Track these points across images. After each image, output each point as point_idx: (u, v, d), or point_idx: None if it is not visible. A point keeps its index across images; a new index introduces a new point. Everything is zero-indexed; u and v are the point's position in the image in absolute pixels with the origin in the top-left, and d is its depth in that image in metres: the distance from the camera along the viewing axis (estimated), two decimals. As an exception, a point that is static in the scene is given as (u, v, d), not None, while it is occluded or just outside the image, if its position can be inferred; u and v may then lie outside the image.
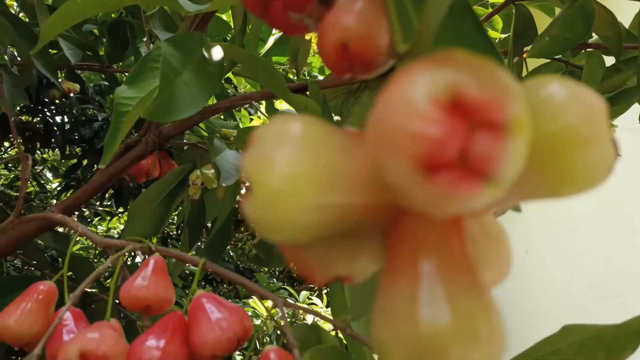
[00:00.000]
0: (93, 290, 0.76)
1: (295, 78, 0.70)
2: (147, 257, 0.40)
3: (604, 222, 1.96)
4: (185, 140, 0.90)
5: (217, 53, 0.47)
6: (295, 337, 0.31)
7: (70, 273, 0.71)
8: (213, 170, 0.75)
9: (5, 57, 0.94)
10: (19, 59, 0.96)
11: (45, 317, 0.41)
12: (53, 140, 1.69)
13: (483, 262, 0.16)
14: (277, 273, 2.86)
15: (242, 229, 2.71)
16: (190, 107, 0.41)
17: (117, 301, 0.72)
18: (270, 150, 0.13)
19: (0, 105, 0.97)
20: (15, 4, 1.52)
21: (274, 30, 1.16)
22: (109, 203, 2.38)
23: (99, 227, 2.61)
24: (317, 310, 1.85)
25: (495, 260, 0.16)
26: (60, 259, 1.60)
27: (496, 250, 0.16)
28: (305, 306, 0.37)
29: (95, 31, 1.36)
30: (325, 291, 2.23)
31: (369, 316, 0.27)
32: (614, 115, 0.93)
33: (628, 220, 1.87)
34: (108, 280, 1.05)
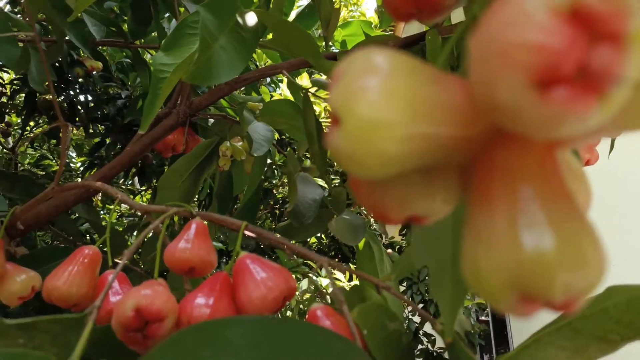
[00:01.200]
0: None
1: (324, 47, 0.69)
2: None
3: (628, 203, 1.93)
4: (208, 114, 0.90)
5: (251, 19, 0.47)
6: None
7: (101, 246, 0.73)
8: (241, 143, 0.75)
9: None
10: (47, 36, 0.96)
11: (91, 279, 0.42)
12: (77, 119, 1.71)
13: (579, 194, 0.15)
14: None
15: (262, 207, 2.73)
16: (228, 71, 0.41)
17: (141, 272, 0.73)
18: (360, 81, 0.12)
19: (28, 84, 0.98)
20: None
21: (297, 3, 1.15)
22: (130, 182, 2.42)
23: (122, 205, 2.65)
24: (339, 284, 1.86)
25: (580, 196, 0.16)
26: (91, 233, 1.64)
27: (578, 186, 0.16)
28: (351, 267, 0.37)
29: (116, 8, 1.36)
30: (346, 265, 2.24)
31: (427, 268, 0.27)
32: None
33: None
34: (136, 255, 1.07)
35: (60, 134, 0.51)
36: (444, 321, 0.24)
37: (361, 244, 0.74)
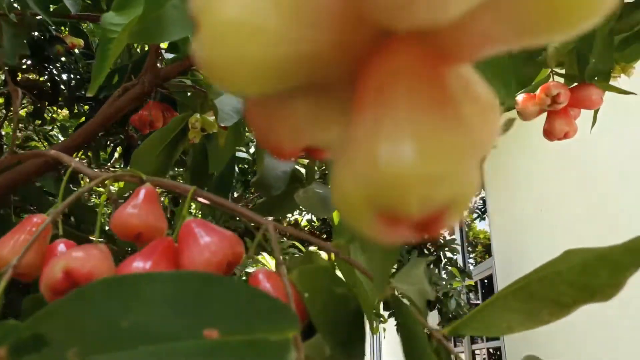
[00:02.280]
0: (100, 240, 0.77)
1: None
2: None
3: (619, 178, 1.92)
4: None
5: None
6: (286, 261, 0.31)
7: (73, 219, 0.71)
8: (214, 117, 0.73)
9: (4, 4, 0.91)
10: (16, 5, 0.94)
11: (39, 247, 0.40)
12: (60, 98, 1.69)
13: (476, 124, 0.14)
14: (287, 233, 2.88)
15: (253, 190, 2.72)
16: (179, 30, 0.39)
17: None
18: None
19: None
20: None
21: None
22: (119, 166, 2.39)
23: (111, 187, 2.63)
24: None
25: (481, 127, 0.14)
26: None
27: (482, 117, 0.14)
28: (297, 231, 0.36)
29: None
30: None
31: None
32: (633, 57, 0.88)
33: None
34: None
35: (12, 98, 0.49)
36: (375, 278, 0.23)
37: (337, 218, 0.72)
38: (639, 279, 0.29)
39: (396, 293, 0.34)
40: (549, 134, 0.70)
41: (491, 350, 3.52)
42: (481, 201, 4.25)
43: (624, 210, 1.87)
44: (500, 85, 0.20)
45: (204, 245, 0.32)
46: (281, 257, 0.28)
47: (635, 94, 0.71)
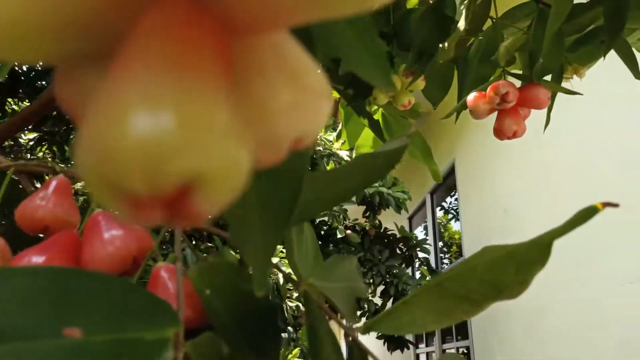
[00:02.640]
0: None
1: None
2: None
3: (581, 180, 1.96)
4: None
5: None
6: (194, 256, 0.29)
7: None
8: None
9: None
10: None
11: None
12: (20, 91, 1.64)
13: (283, 110, 0.13)
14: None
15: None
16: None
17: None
18: None
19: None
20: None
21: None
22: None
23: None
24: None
25: (303, 113, 0.13)
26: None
27: (305, 103, 0.13)
28: (209, 226, 0.35)
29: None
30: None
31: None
32: (585, 59, 0.90)
33: (607, 173, 1.86)
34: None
35: None
36: (254, 273, 0.22)
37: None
38: None
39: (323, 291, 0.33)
40: (498, 132, 0.71)
41: (461, 349, 3.56)
42: (456, 202, 4.30)
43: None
44: (377, 71, 0.19)
45: (108, 239, 0.31)
46: (184, 252, 0.27)
47: (582, 94, 0.71)
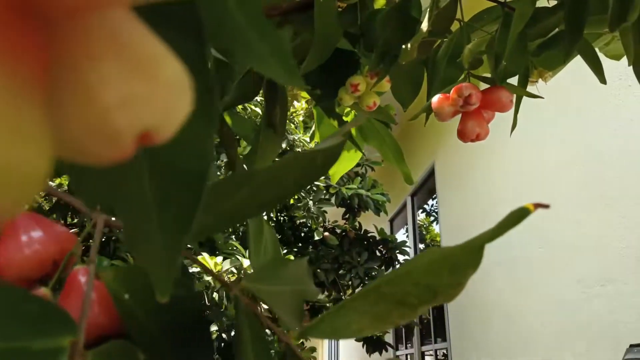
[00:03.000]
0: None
1: None
2: None
3: (561, 183, 1.98)
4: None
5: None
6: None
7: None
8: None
9: None
10: None
11: None
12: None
13: (120, 102, 0.11)
14: (238, 232, 2.83)
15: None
16: None
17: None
18: None
19: None
20: None
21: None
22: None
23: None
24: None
25: (149, 105, 0.12)
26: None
27: (151, 95, 0.12)
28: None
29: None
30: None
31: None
32: (551, 64, 0.90)
33: (585, 174, 1.89)
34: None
35: None
36: (152, 276, 0.20)
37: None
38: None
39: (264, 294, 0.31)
40: (461, 134, 0.70)
41: (440, 351, 3.57)
42: (437, 204, 4.33)
43: (565, 211, 1.93)
44: (279, 67, 0.18)
45: (25, 241, 0.29)
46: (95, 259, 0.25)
47: (542, 98, 0.72)
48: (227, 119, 0.84)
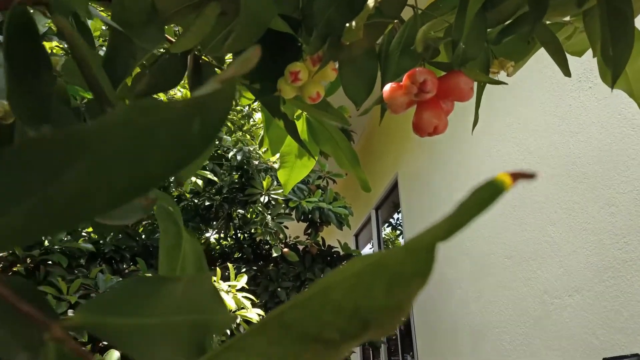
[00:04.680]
0: None
1: None
2: None
3: (526, 191, 1.94)
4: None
5: None
6: None
7: None
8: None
9: None
10: None
11: None
12: None
13: None
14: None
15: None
16: None
17: None
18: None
19: None
20: None
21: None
22: None
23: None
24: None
25: None
26: None
27: None
28: None
29: None
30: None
31: None
32: (513, 54, 0.84)
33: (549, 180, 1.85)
34: None
35: None
36: None
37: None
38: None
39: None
40: (417, 128, 0.61)
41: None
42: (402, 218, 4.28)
43: (531, 220, 1.88)
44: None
45: None
46: None
47: (506, 84, 0.64)
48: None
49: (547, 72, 1.65)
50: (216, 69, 0.72)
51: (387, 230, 4.51)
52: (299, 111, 1.12)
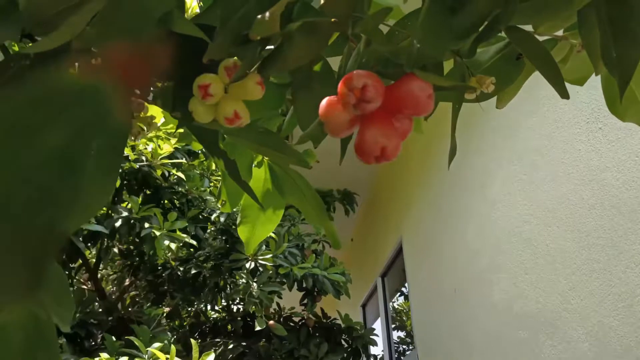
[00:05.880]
0: None
1: None
2: None
3: (529, 261, 1.73)
4: None
5: None
6: None
7: None
8: None
9: None
10: None
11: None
12: None
13: None
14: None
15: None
16: None
17: None
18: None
19: None
20: None
21: None
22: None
23: None
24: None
25: None
26: None
27: None
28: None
29: None
30: None
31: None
32: (502, 75, 0.71)
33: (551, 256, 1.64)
34: None
35: None
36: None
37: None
38: None
39: None
40: (360, 151, 0.46)
41: None
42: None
43: (538, 291, 1.65)
44: None
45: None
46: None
47: (477, 101, 0.49)
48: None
49: (550, 115, 1.50)
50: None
51: (400, 300, 4.18)
52: (260, 156, 0.97)
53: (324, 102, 0.50)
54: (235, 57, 0.51)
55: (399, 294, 3.87)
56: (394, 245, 3.25)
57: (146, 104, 0.62)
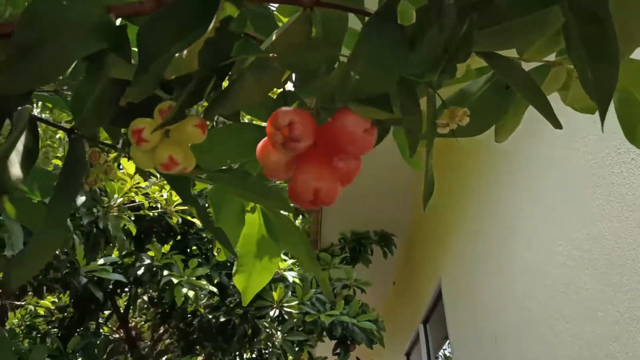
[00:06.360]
0: None
1: None
2: None
3: (569, 301, 1.56)
4: None
5: None
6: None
7: None
8: None
9: None
10: None
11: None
12: None
13: None
14: None
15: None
16: None
17: None
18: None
19: None
20: None
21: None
22: None
23: None
24: None
25: None
26: None
27: None
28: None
29: None
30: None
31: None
32: (492, 108, 0.66)
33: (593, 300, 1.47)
34: None
35: None
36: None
37: None
38: None
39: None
40: (293, 195, 0.41)
41: None
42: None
43: (576, 341, 1.48)
44: None
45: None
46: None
47: (445, 136, 0.43)
48: None
49: (577, 147, 1.39)
50: None
51: (448, 349, 3.91)
52: (252, 204, 0.93)
53: (260, 144, 0.46)
54: (170, 101, 0.48)
55: (447, 341, 3.63)
56: (434, 288, 3.09)
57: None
